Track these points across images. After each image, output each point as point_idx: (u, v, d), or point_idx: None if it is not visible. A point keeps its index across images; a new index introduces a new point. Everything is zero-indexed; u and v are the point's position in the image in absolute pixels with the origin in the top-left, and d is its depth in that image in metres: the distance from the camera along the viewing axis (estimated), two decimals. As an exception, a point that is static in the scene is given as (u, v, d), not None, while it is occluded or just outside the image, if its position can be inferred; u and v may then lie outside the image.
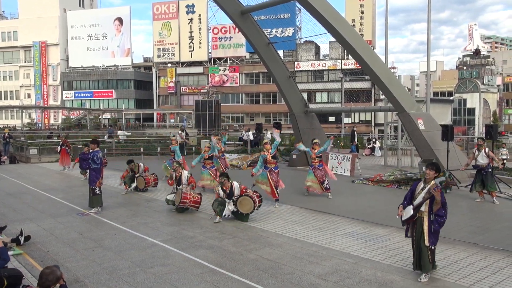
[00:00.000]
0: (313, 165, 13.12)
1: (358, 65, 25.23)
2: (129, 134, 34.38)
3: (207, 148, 14.10)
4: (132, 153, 24.81)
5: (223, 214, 10.12)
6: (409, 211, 6.63)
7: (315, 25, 20.35)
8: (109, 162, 17.97)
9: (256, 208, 9.99)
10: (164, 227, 9.74)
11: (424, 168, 6.68)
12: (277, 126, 22.62)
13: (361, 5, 56.42)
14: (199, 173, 13.76)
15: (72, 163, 19.14)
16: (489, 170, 12.13)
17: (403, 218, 6.71)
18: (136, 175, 14.26)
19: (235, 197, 10.04)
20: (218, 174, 13.32)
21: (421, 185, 6.68)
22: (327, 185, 13.02)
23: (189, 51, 63.97)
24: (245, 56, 62.54)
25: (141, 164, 14.67)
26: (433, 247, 6.56)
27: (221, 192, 10.16)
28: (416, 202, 6.60)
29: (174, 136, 18.45)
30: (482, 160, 12.24)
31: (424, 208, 6.55)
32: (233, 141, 31.08)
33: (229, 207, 10.08)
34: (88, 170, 16.32)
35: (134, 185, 14.20)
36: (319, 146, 13.14)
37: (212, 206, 10.25)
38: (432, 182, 6.57)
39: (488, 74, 64.31)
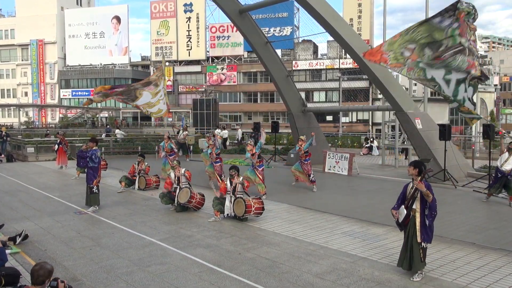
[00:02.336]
0: (300, 159, 14.04)
1: (356, 64, 25.25)
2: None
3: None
4: (130, 152, 24.79)
5: (225, 214, 10.15)
6: (403, 211, 6.69)
7: (313, 24, 20.52)
8: (107, 161, 17.91)
9: (251, 214, 9.94)
10: (162, 226, 9.74)
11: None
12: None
13: (359, 4, 56.43)
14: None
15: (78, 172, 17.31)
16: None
17: (400, 220, 6.74)
18: (138, 171, 14.39)
19: (237, 194, 10.09)
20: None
21: (411, 185, 6.81)
22: (313, 178, 13.98)
23: (187, 49, 63.90)
24: (243, 55, 62.51)
25: (145, 163, 14.79)
26: (425, 245, 6.56)
27: (228, 184, 10.21)
28: (406, 201, 6.69)
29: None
30: (509, 166, 11.64)
31: (415, 205, 6.62)
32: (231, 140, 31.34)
33: (229, 203, 10.11)
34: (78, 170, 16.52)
35: (135, 186, 14.35)
36: (304, 142, 14.06)
37: (212, 206, 10.31)
38: (418, 179, 6.65)
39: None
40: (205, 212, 10.95)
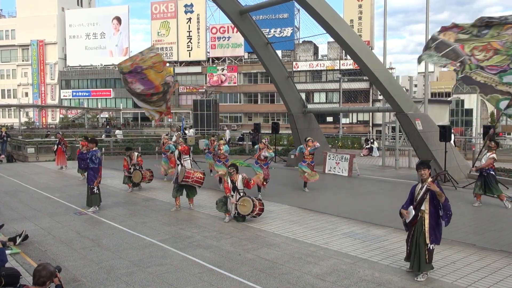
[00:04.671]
0: (306, 161, 14.06)
1: (356, 66, 25.28)
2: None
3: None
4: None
5: (228, 210, 10.12)
6: (411, 212, 6.67)
7: (313, 25, 20.53)
8: (107, 161, 17.91)
9: (254, 214, 9.94)
10: (162, 227, 9.73)
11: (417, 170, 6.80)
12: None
13: (360, 6, 56.45)
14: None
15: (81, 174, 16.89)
16: (491, 172, 11.67)
17: (407, 221, 6.72)
18: (131, 165, 14.16)
19: (240, 192, 10.04)
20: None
21: (419, 186, 6.75)
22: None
23: (187, 50, 63.94)
24: (244, 56, 62.54)
25: (136, 153, 14.50)
26: (432, 247, 6.56)
27: (229, 182, 10.16)
28: (416, 202, 6.65)
29: (167, 135, 18.26)
30: (480, 163, 11.90)
31: (424, 207, 6.58)
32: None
33: (229, 204, 10.08)
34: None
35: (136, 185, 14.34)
36: (312, 143, 14.16)
37: (217, 209, 10.27)
38: (429, 180, 6.61)
39: (486, 75, 64.29)
40: (205, 213, 10.95)
